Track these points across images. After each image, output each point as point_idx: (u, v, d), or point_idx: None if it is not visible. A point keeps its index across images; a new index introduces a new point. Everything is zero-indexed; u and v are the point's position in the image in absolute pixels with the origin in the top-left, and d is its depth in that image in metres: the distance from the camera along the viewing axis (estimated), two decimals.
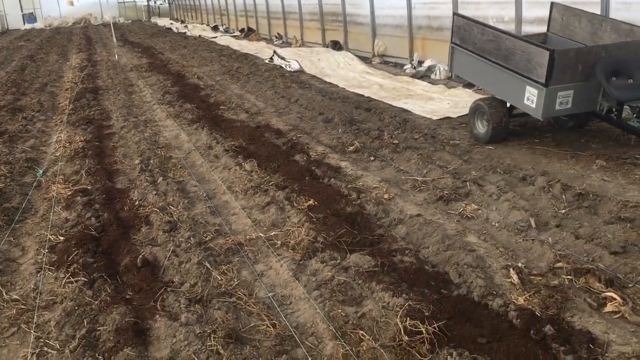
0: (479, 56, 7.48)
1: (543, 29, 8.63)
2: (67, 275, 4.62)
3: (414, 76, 12.59)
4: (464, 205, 5.76)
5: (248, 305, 4.19)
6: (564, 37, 8.03)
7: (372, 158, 7.43)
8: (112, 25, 26.61)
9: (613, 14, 8.47)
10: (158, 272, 4.72)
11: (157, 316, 4.01)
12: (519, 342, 3.54)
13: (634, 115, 7.45)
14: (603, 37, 7.41)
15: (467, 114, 8.35)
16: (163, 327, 3.86)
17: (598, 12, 8.44)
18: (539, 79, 6.44)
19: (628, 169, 6.32)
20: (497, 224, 5.33)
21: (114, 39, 23.19)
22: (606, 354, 3.44)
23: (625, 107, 7.24)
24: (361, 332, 3.77)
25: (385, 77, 13.03)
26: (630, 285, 4.14)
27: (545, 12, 8.53)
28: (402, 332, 3.65)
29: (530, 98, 6.66)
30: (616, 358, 3.39)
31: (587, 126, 7.85)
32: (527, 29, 10.23)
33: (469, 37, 7.66)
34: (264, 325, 3.95)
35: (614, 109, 6.68)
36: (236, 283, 4.52)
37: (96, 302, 4.23)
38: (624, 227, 4.90)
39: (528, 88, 6.66)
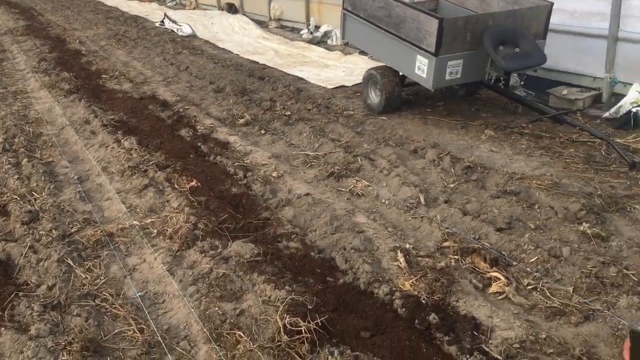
0: (370, 24, 7.22)
1: None
2: None
3: (310, 42, 12.21)
4: (354, 181, 5.55)
5: (114, 308, 3.76)
6: (455, 4, 7.93)
7: (263, 131, 7.05)
8: None
9: None
10: (12, 273, 4.16)
11: (3, 329, 3.49)
12: (402, 334, 3.37)
13: (521, 84, 7.56)
14: (492, 4, 7.36)
15: (361, 83, 8.11)
16: (9, 342, 3.36)
17: None
18: (429, 48, 6.28)
19: (515, 138, 6.36)
20: (387, 201, 5.17)
21: None
22: (490, 341, 3.35)
23: (512, 75, 7.30)
24: (238, 332, 3.47)
25: (282, 42, 12.56)
26: (514, 264, 4.10)
27: None
28: (282, 331, 3.37)
29: (421, 68, 6.51)
30: (499, 345, 3.30)
31: (478, 95, 7.86)
32: None
33: (360, 3, 7.36)
34: (130, 330, 3.55)
35: (501, 78, 6.67)
36: (102, 282, 4.07)
37: None
38: (510, 201, 4.87)
39: (419, 57, 6.50)
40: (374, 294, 3.82)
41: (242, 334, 3.44)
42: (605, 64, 6.97)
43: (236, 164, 5.94)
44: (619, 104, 6.54)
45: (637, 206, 4.73)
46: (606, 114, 6.64)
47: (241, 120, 7.41)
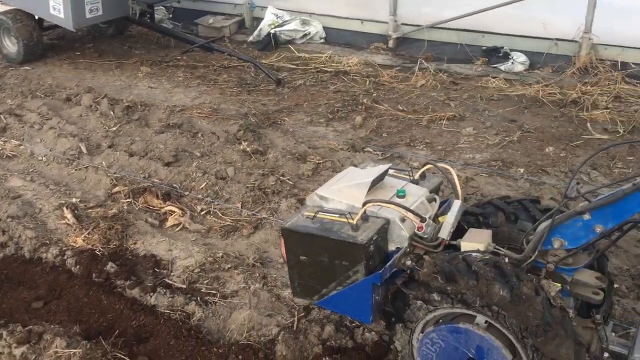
0: None
1: None
2: None
3: None
4: (2, 143, 4.92)
5: None
6: None
7: None
8: None
9: None
10: None
11: None
12: (80, 292, 3.18)
13: (169, 17, 7.52)
14: None
15: None
16: None
17: None
18: None
19: (171, 72, 6.36)
20: (44, 157, 4.72)
21: None
22: (172, 273, 3.39)
23: (160, 8, 7.21)
24: None
25: None
26: (186, 194, 4.17)
27: None
28: None
29: (57, 8, 5.94)
30: (181, 274, 3.36)
31: (129, 32, 7.56)
32: None
33: None
34: None
35: (146, 12, 6.50)
36: None
37: None
38: (174, 134, 4.91)
39: None
40: (42, 259, 3.50)
41: None
42: None
43: None
44: (259, 27, 7.01)
45: (285, 119, 5.22)
46: (250, 38, 7.07)
47: None
